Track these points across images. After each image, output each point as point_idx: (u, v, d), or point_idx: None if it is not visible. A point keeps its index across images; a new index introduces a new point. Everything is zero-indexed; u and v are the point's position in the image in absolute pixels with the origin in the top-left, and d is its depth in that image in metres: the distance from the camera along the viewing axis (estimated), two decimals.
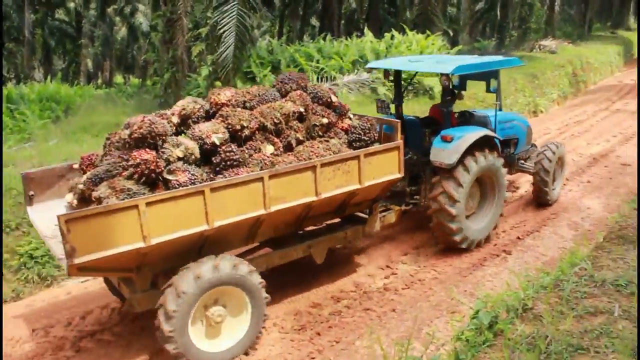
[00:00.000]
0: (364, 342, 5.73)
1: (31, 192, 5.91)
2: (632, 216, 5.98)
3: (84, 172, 5.66)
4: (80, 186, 5.35)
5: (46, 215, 5.55)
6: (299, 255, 6.49)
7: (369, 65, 9.23)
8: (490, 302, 4.23)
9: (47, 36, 33.49)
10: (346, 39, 17.92)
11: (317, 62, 14.89)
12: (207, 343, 5.33)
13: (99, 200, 4.83)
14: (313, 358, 5.58)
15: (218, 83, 12.67)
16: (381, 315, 6.30)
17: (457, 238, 7.57)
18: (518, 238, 8.35)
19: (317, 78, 14.30)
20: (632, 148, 13.31)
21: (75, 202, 5.48)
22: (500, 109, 8.55)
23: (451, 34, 29.97)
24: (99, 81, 37.57)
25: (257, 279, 5.46)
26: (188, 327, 5.05)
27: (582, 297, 4.12)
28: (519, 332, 3.78)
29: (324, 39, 17.57)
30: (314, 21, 38.11)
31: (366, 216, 7.16)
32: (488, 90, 8.18)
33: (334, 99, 6.80)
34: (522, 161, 9.42)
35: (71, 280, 7.56)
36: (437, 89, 13.85)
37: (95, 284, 7.36)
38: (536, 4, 27.21)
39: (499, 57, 9.59)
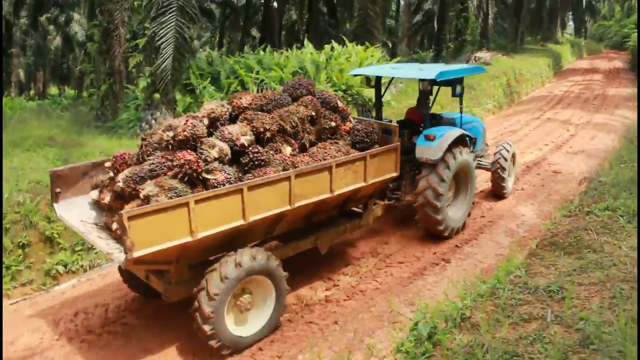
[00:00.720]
0: (306, 356, 5.71)
1: (58, 189, 6.13)
2: (563, 223, 6.21)
3: (117, 171, 5.89)
4: (119, 184, 5.58)
5: (74, 212, 6.03)
6: (308, 246, 7.04)
7: (351, 72, 9.70)
8: (429, 312, 4.29)
9: None
10: (286, 50, 17.95)
11: (257, 73, 14.82)
12: (237, 327, 5.78)
13: (148, 198, 5.20)
14: None
15: (157, 95, 12.42)
16: (323, 328, 6.29)
17: (441, 227, 8.41)
18: (457, 246, 8.53)
19: (258, 90, 14.24)
20: (563, 156, 13.92)
21: (107, 199, 5.83)
22: (462, 112, 9.41)
23: (390, 45, 30.51)
24: (32, 92, 36.19)
25: (282, 270, 5.98)
26: (225, 310, 5.49)
27: (517, 304, 4.24)
28: (457, 341, 3.85)
29: (264, 50, 17.53)
30: (255, 32, 38.07)
31: (360, 211, 7.81)
32: (454, 95, 8.83)
33: (339, 104, 7.42)
34: (480, 159, 10.11)
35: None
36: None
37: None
38: (471, 17, 28.02)
39: (469, 65, 10.54)
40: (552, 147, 15.02)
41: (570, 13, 61.32)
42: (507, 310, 4.16)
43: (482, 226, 9.32)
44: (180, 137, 5.64)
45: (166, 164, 5.52)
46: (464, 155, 8.43)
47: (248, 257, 5.60)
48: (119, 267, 6.72)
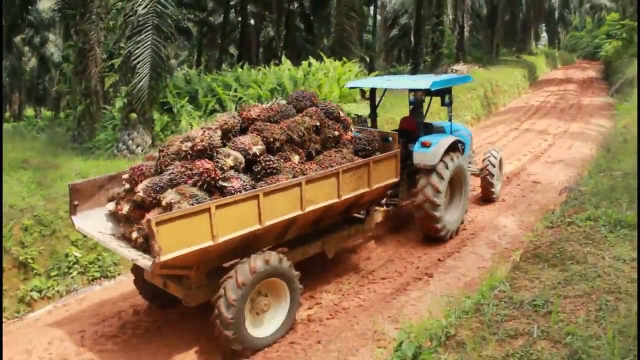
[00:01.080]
0: None
1: (76, 202, 6.38)
2: (545, 234, 6.18)
3: (135, 182, 6.13)
4: (140, 193, 5.80)
5: (91, 224, 6.32)
6: (315, 251, 7.36)
7: (347, 85, 10.03)
8: (414, 331, 4.20)
9: None
10: (264, 67, 17.90)
11: (235, 91, 14.74)
12: (255, 329, 6.03)
13: (170, 205, 5.43)
14: None
15: (133, 115, 12.26)
16: (306, 348, 6.16)
17: (439, 226, 8.71)
18: (439, 260, 8.47)
19: (236, 107, 14.15)
20: (541, 166, 14.01)
21: (125, 209, 6.07)
22: (451, 120, 9.70)
23: (368, 60, 30.67)
24: (7, 114, 35.64)
25: (294, 271, 6.28)
26: (244, 314, 5.75)
27: (502, 320, 4.17)
28: None
29: (242, 67, 17.46)
30: (233, 50, 38.06)
31: (362, 217, 8.15)
32: (443, 104, 9.32)
33: (341, 114, 7.76)
34: (468, 165, 10.21)
35: None
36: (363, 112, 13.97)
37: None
38: (447, 30, 28.32)
39: (459, 75, 11.40)
40: (530, 157, 15.12)
41: (544, 25, 62.37)
42: (492, 327, 4.08)
43: (464, 239, 9.28)
44: (199, 147, 5.97)
45: (186, 173, 5.80)
46: (458, 160, 8.82)
47: (261, 261, 5.87)
48: (135, 280, 7.03)
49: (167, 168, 5.99)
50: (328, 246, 7.53)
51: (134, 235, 5.85)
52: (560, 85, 34.57)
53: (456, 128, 9.96)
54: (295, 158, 6.75)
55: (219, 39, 33.79)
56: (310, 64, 17.62)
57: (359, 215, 8.16)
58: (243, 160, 6.22)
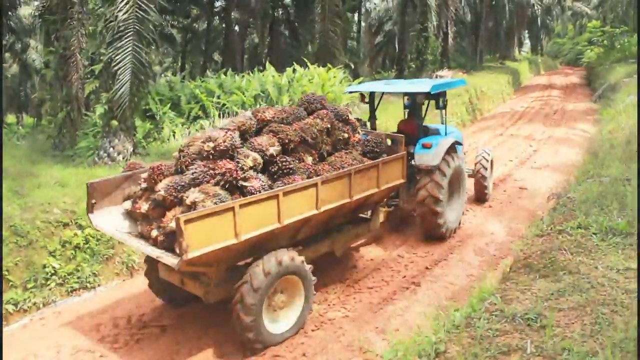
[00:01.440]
0: None
1: (93, 200, 6.47)
2: (535, 243, 6.05)
3: (154, 181, 6.20)
4: (161, 192, 5.91)
5: (108, 222, 6.45)
6: (325, 249, 7.51)
7: (347, 90, 10.19)
8: (402, 349, 4.02)
9: None
10: (248, 73, 17.74)
11: (218, 97, 14.55)
12: (273, 325, 6.22)
13: (195, 204, 5.53)
14: None
15: (114, 122, 12.00)
16: None
17: (441, 221, 8.95)
18: (427, 268, 8.33)
19: (219, 114, 13.96)
20: (527, 171, 13.97)
21: (144, 208, 6.19)
22: (445, 123, 10.07)
23: (352, 66, 30.60)
24: None
25: (307, 266, 6.46)
26: (263, 306, 5.93)
27: (494, 335, 4.00)
28: None
29: (225, 74, 17.27)
30: (217, 56, 37.81)
31: (368, 217, 8.33)
32: (437, 107, 9.57)
33: (350, 117, 7.94)
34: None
35: None
36: None
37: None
38: (431, 36, 28.30)
39: (455, 79, 11.58)
40: (516, 163, 15.09)
41: (526, 31, 62.87)
42: (484, 343, 3.91)
43: (451, 246, 9.16)
44: (221, 148, 6.09)
45: (208, 173, 5.91)
46: (456, 160, 9.13)
47: (287, 256, 6.12)
48: (150, 284, 7.17)
49: (189, 168, 6.10)
50: (337, 245, 7.70)
51: (154, 233, 5.95)
52: (544, 91, 34.79)
53: (450, 130, 10.15)
54: (309, 159, 6.98)
55: (203, 46, 33.56)
56: (294, 70, 17.49)
57: (364, 216, 8.36)
58: (261, 160, 6.39)
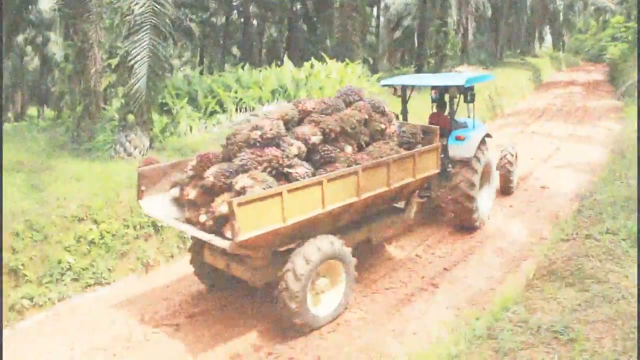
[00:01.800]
0: None
1: (143, 187, 6.78)
2: (560, 248, 5.83)
3: (202, 169, 6.54)
4: (210, 178, 6.24)
5: (157, 208, 6.75)
6: (362, 238, 7.71)
7: (382, 83, 10.34)
8: None
9: None
10: (266, 68, 17.60)
11: (235, 92, 14.42)
12: (314, 307, 6.44)
13: (244, 189, 5.77)
14: None
15: (131, 116, 11.93)
16: None
17: (475, 216, 9.27)
18: (445, 269, 8.16)
19: (236, 109, 13.84)
20: (549, 170, 13.66)
21: (192, 194, 6.49)
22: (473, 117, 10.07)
23: (371, 61, 30.34)
24: (10, 114, 35.29)
25: (351, 257, 6.76)
26: (307, 291, 6.15)
27: (518, 348, 3.80)
28: None
29: (243, 68, 17.14)
30: (236, 51, 37.75)
31: (402, 207, 8.53)
32: (466, 101, 9.59)
33: (386, 109, 8.05)
34: None
35: None
36: None
37: None
38: (451, 32, 27.94)
39: (486, 72, 11.07)
40: (537, 161, 14.76)
41: (548, 27, 61.94)
42: (507, 357, 3.72)
43: (471, 246, 8.96)
44: (268, 136, 6.37)
45: (256, 159, 6.17)
46: (487, 153, 9.43)
47: (327, 242, 6.36)
48: (195, 271, 7.47)
49: (237, 155, 6.37)
50: (374, 233, 7.93)
51: (202, 218, 6.20)
52: (565, 88, 34.17)
53: (477, 124, 10.16)
54: (348, 148, 7.19)
55: (221, 40, 33.52)
56: (312, 65, 17.31)
57: (398, 206, 8.57)
58: (305, 148, 6.66)
